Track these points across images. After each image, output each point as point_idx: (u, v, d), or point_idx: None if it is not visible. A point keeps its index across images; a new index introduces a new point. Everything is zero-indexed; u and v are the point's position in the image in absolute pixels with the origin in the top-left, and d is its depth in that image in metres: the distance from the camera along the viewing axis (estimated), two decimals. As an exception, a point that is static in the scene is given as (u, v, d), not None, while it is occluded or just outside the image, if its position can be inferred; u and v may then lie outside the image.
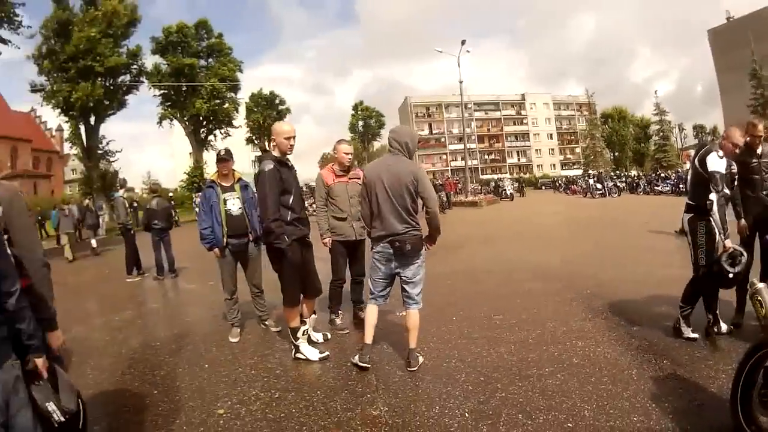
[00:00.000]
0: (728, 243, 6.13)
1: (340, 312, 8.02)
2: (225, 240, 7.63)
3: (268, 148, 6.81)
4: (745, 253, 6.16)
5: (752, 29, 67.98)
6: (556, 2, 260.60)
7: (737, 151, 6.77)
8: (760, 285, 4.17)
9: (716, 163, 6.09)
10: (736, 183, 6.84)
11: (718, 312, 6.64)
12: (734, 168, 6.68)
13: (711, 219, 6.19)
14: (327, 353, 6.62)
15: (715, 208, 6.07)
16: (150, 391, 5.93)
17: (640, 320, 7.40)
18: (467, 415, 4.83)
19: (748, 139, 7.44)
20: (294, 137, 6.53)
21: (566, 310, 8.29)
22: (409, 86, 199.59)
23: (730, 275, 6.03)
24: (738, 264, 6.07)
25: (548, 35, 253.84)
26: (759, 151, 7.15)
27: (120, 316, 10.00)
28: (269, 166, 6.16)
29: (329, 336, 7.41)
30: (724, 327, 6.56)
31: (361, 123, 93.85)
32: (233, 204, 7.66)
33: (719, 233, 6.17)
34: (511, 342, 6.86)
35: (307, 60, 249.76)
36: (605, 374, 5.61)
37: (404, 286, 6.10)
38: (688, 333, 6.43)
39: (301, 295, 6.68)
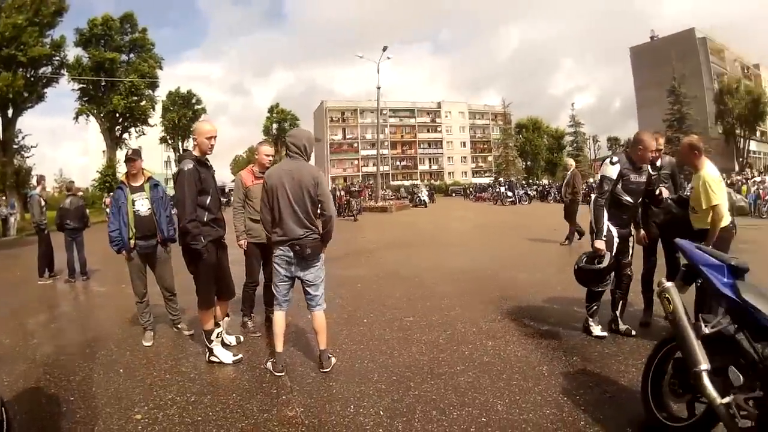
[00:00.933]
0: (598, 243, 6.49)
1: (252, 314, 8.00)
2: (132, 242, 7.51)
3: (182, 148, 6.75)
4: (607, 253, 6.53)
5: (675, 49, 70.58)
6: (483, 13, 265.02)
7: (655, 154, 7.10)
8: (668, 284, 4.35)
9: (607, 168, 6.55)
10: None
11: (618, 312, 7.04)
12: (652, 174, 6.96)
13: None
14: (240, 356, 6.60)
15: (591, 205, 6.63)
16: (66, 398, 5.79)
17: (549, 320, 7.68)
18: (382, 413, 4.90)
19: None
20: (215, 137, 6.50)
21: (476, 312, 8.45)
22: (331, 90, 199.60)
23: (592, 271, 6.56)
24: (600, 262, 6.48)
25: (472, 45, 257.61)
26: (658, 163, 7.52)
27: (33, 320, 9.76)
28: (189, 165, 6.11)
29: (242, 338, 7.38)
30: (621, 327, 6.95)
31: (275, 126, 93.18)
32: (142, 205, 7.53)
33: (592, 233, 6.61)
34: (423, 342, 6.98)
35: (229, 59, 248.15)
36: (516, 371, 5.78)
37: (307, 289, 6.09)
38: (597, 331, 6.79)
39: (215, 297, 6.65)
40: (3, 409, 3.41)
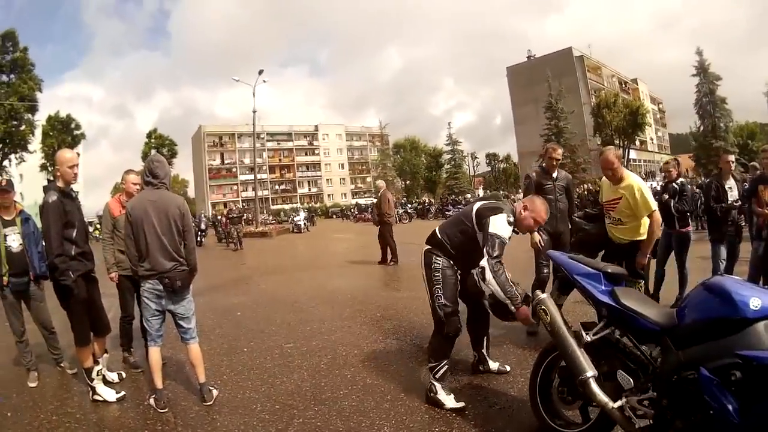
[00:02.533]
0: (523, 312, 5.08)
1: (132, 349, 7.79)
2: (6, 279, 7.10)
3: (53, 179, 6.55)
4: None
5: (552, 67, 72.94)
6: (362, 35, 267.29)
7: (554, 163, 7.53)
8: (543, 295, 4.46)
9: (503, 227, 5.18)
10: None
11: (485, 350, 6.30)
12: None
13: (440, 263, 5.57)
14: (123, 393, 6.41)
15: (489, 276, 5.02)
16: None
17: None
18: (266, 445, 4.78)
19: (544, 163, 7.94)
20: (77, 165, 6.32)
21: (357, 334, 8.51)
22: (211, 113, 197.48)
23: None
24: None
25: (351, 67, 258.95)
26: (554, 174, 7.74)
27: None
28: (53, 197, 5.95)
29: (124, 375, 7.20)
30: (492, 365, 6.22)
31: (154, 151, 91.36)
32: (13, 240, 7.15)
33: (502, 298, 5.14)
34: (304, 368, 6.95)
35: (111, 79, 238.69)
36: (401, 391, 5.81)
37: (179, 322, 6.02)
38: (450, 402, 5.34)
39: (91, 334, 6.49)
40: None
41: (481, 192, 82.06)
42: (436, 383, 5.40)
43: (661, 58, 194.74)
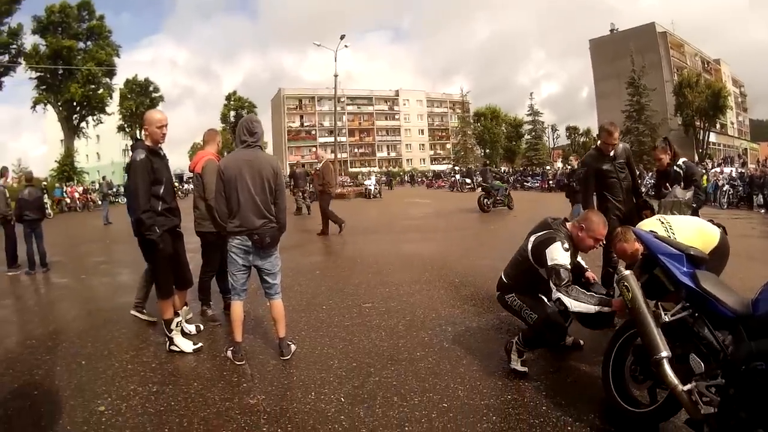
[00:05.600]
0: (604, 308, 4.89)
1: (211, 303, 7.97)
2: None
3: (139, 137, 6.56)
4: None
5: (634, 42, 71.14)
6: (446, 1, 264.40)
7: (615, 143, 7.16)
8: (626, 272, 4.35)
9: (561, 256, 5.08)
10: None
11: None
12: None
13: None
14: (201, 344, 6.56)
15: (568, 303, 4.88)
16: (30, 392, 5.71)
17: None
18: (343, 399, 4.93)
19: (599, 144, 7.67)
20: (166, 125, 6.39)
21: (435, 298, 8.51)
22: (293, 77, 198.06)
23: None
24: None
25: (434, 34, 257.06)
26: (611, 153, 7.35)
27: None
28: (141, 155, 6.03)
29: (202, 327, 7.33)
30: (567, 339, 6.01)
31: (233, 113, 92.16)
32: None
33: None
34: (382, 329, 7.02)
35: (195, 42, 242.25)
36: (476, 357, 5.83)
37: (265, 277, 6.08)
38: (516, 364, 5.44)
39: (173, 287, 6.62)
40: None
41: (559, 164, 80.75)
42: (514, 350, 5.43)
43: (747, 39, 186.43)
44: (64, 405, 5.28)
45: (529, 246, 5.39)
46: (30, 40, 53.58)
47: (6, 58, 50.93)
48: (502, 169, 73.62)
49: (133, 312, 7.80)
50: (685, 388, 3.67)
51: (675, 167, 7.66)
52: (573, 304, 4.85)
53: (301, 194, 27.41)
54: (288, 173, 31.03)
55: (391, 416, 4.57)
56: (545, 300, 5.31)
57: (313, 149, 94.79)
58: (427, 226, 19.76)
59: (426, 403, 4.78)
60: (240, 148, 6.00)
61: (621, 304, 4.64)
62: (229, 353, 6.12)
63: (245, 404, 4.98)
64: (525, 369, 5.37)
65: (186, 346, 6.46)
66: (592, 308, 4.82)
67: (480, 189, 17.82)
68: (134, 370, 6.02)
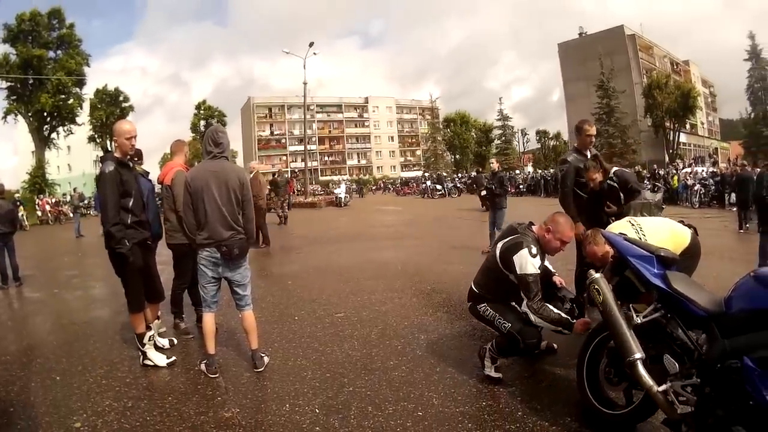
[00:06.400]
0: (580, 326, 4.97)
1: (183, 316, 7.95)
2: None
3: (110, 148, 6.54)
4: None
5: (603, 45, 71.66)
6: (417, 6, 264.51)
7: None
8: (596, 275, 4.40)
9: (528, 263, 5.07)
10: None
11: None
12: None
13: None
14: (174, 358, 6.54)
15: (534, 318, 5.00)
16: (6, 409, 5.65)
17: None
18: (317, 410, 4.93)
19: (577, 143, 7.77)
20: (135, 137, 6.35)
21: (407, 306, 8.56)
22: (262, 84, 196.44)
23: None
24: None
25: (403, 39, 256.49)
26: (588, 154, 7.47)
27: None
28: (110, 167, 6.00)
29: (175, 341, 7.31)
30: (541, 343, 5.74)
31: (203, 122, 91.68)
32: None
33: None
34: (354, 338, 7.04)
35: (164, 50, 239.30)
36: (450, 364, 5.85)
37: (235, 289, 6.08)
38: (490, 370, 5.44)
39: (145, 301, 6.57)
40: None
41: (530, 168, 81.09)
42: (487, 356, 5.44)
43: (716, 40, 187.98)
44: (40, 421, 5.24)
45: (497, 253, 5.38)
46: (0, 49, 53.25)
47: None
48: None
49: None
50: (661, 388, 3.71)
51: (608, 182, 7.28)
52: (537, 322, 4.99)
53: (280, 203, 26.97)
54: (269, 181, 30.76)
55: (366, 426, 4.58)
56: (518, 308, 5.31)
57: (283, 158, 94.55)
58: (398, 234, 19.71)
59: (401, 412, 4.79)
60: (206, 159, 5.99)
61: (583, 327, 4.81)
62: (203, 366, 6.09)
63: (220, 418, 4.97)
64: (499, 375, 5.38)
65: (159, 360, 6.43)
66: (554, 328, 4.95)
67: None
68: (109, 385, 5.97)
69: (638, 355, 3.82)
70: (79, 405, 5.53)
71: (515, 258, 5.11)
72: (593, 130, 7.63)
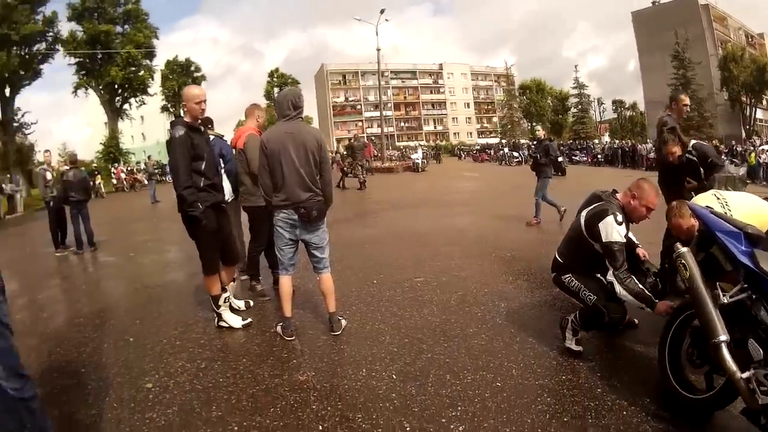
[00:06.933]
0: (662, 307, 4.72)
1: (260, 278, 7.91)
2: None
3: (182, 115, 6.50)
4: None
5: (675, 14, 70.05)
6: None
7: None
8: (683, 249, 4.15)
9: (614, 231, 4.86)
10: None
11: None
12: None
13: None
14: (250, 320, 6.53)
15: (618, 289, 4.81)
16: (77, 370, 5.74)
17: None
18: (394, 376, 4.84)
19: (673, 113, 7.47)
20: (205, 101, 6.31)
21: (487, 273, 8.37)
22: (336, 52, 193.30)
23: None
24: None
25: (477, 6, 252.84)
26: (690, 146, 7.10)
27: (43, 293, 9.72)
28: (180, 132, 5.98)
29: (251, 303, 7.28)
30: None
31: (276, 90, 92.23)
32: None
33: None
34: (434, 303, 6.88)
35: (235, 21, 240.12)
36: (530, 334, 5.67)
37: (313, 251, 6.00)
38: (571, 343, 5.25)
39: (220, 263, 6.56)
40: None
41: (606, 138, 79.65)
42: (569, 328, 5.23)
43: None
44: (111, 382, 5.29)
45: (582, 221, 5.17)
46: (66, 27, 54.48)
47: (43, 45, 51.61)
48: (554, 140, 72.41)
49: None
50: (743, 375, 3.46)
51: (686, 155, 7.01)
52: (622, 294, 4.76)
53: (360, 168, 26.83)
54: (345, 146, 30.60)
55: (444, 395, 4.45)
56: (603, 280, 5.11)
57: (359, 124, 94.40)
58: (475, 200, 19.47)
59: (479, 381, 4.66)
60: (282, 121, 5.89)
61: (665, 309, 4.56)
62: (279, 329, 6.07)
63: (295, 381, 4.92)
64: (580, 348, 5.17)
65: (235, 321, 6.44)
66: (637, 303, 4.73)
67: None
68: (182, 347, 6.02)
69: (723, 337, 3.60)
70: (151, 366, 5.57)
71: (601, 225, 4.91)
72: (688, 100, 7.45)
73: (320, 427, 4.11)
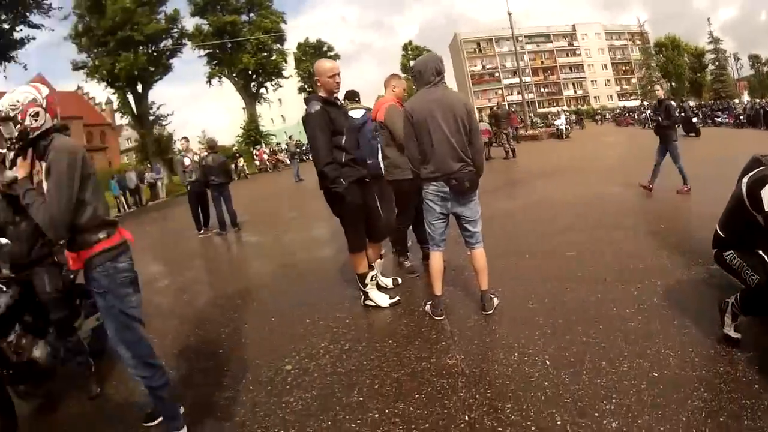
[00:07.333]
0: None
1: (408, 254, 7.85)
2: None
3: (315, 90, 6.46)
4: None
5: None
6: None
7: None
8: None
9: None
10: None
11: None
12: None
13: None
14: (398, 298, 6.47)
15: None
16: (216, 351, 5.90)
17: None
18: (548, 362, 4.61)
19: None
20: (338, 74, 6.18)
21: (642, 246, 7.88)
22: (466, 19, 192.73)
23: None
24: None
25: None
26: None
27: (184, 275, 10.03)
28: (316, 107, 5.94)
29: (399, 280, 7.23)
30: None
31: (411, 63, 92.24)
32: None
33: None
34: (588, 280, 6.54)
35: None
36: (687, 316, 5.23)
37: (465, 225, 5.78)
38: (729, 329, 4.68)
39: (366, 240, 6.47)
40: None
41: (746, 98, 75.46)
42: (728, 312, 4.68)
43: None
44: (250, 364, 5.41)
45: (744, 189, 4.58)
46: (190, 22, 58.37)
47: (169, 42, 55.16)
48: (691, 103, 69.22)
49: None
50: None
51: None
52: None
53: (505, 136, 26.49)
54: (488, 115, 30.67)
55: (598, 384, 4.17)
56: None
57: (498, 92, 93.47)
58: (623, 166, 18.33)
59: (636, 370, 4.32)
60: (425, 88, 5.67)
61: None
62: (428, 308, 5.99)
63: (443, 365, 4.82)
64: (738, 335, 4.61)
65: (382, 300, 6.41)
66: None
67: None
68: (326, 327, 6.05)
69: None
70: (292, 347, 5.64)
71: (763, 192, 4.29)
72: None
73: (466, 418, 3.97)
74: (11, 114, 3.74)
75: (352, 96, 8.35)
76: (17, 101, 3.76)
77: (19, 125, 3.76)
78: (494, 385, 4.39)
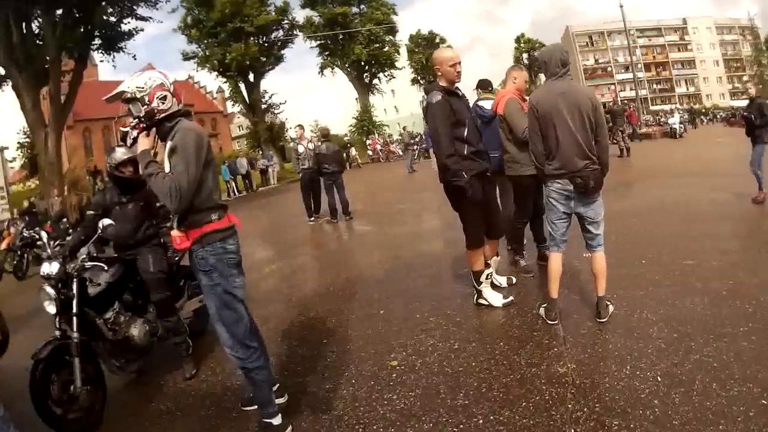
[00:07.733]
0: None
1: (524, 252, 7.77)
2: None
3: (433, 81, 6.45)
4: None
5: None
6: None
7: None
8: None
9: None
10: None
11: None
12: None
13: None
14: (511, 298, 6.43)
15: None
16: (320, 340, 6.01)
17: None
18: (659, 378, 4.48)
19: None
20: (459, 63, 6.13)
21: (758, 259, 7.41)
22: (581, 11, 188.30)
23: None
24: None
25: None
26: None
27: (293, 261, 10.17)
28: (437, 97, 5.90)
29: (514, 280, 7.17)
30: None
31: (525, 55, 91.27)
32: None
33: None
34: (703, 293, 6.22)
35: None
36: None
37: (588, 226, 5.71)
38: None
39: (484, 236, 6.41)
40: None
41: None
42: None
43: None
44: (354, 356, 5.47)
45: None
46: (301, 14, 59.81)
47: (280, 33, 56.65)
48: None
49: None
50: None
51: None
52: None
53: (620, 134, 25.99)
54: (604, 111, 29.87)
55: (707, 407, 4.00)
56: None
57: (611, 87, 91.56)
58: (745, 172, 17.89)
59: (746, 396, 4.08)
60: (550, 80, 5.62)
61: None
62: (542, 311, 5.96)
63: (553, 373, 4.78)
64: None
65: (495, 299, 6.40)
66: None
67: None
68: (436, 324, 6.06)
69: None
70: (399, 342, 5.69)
71: None
72: None
73: (572, 431, 3.95)
74: (138, 95, 4.03)
75: (485, 85, 8.33)
76: (144, 83, 4.06)
77: (145, 106, 4.04)
78: (603, 398, 4.31)
